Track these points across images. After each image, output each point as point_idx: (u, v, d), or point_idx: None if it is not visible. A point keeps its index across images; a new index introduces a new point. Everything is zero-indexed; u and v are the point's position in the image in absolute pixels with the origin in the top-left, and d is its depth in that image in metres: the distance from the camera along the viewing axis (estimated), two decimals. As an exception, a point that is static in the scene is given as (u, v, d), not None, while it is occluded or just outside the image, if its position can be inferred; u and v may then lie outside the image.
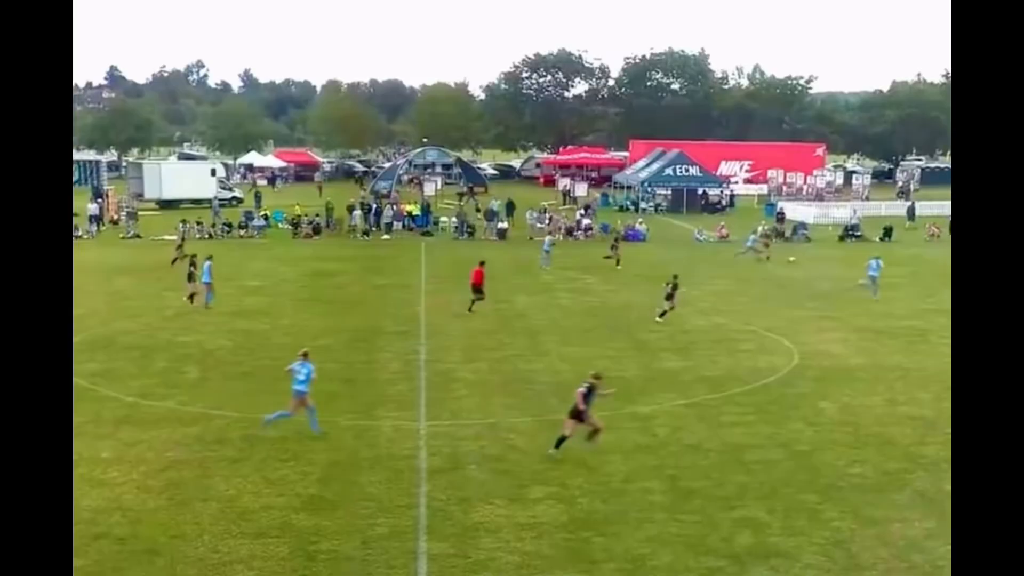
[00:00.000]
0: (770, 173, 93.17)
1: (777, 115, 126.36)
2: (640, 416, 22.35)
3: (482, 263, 35.89)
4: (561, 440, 19.53)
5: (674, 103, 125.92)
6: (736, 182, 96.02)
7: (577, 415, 19.53)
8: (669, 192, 77.88)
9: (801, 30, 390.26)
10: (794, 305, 36.51)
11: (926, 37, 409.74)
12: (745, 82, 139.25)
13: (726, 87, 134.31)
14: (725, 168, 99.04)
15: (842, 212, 68.31)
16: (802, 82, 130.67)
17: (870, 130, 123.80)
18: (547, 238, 50.28)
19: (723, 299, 37.91)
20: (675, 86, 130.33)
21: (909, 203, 72.21)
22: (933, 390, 24.55)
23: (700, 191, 77.90)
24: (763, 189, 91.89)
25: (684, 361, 27.94)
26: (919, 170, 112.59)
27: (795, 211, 70.32)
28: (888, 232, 59.19)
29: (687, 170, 77.89)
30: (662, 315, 33.26)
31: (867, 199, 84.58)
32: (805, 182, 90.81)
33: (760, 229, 51.74)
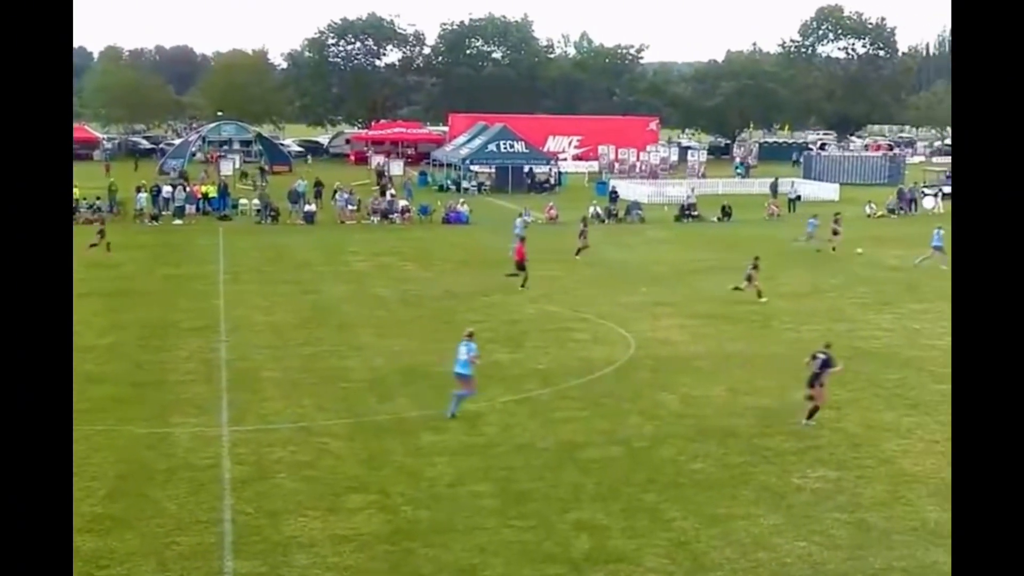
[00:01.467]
0: (601, 149, 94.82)
1: (607, 86, 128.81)
2: (467, 414, 22.46)
3: (522, 239, 39.32)
4: (811, 412, 21.80)
5: (496, 73, 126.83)
6: (565, 159, 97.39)
7: (812, 382, 21.85)
8: (493, 170, 78.41)
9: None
10: (629, 291, 37.33)
11: (761, 4, 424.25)
12: (572, 51, 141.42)
13: (552, 56, 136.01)
14: (553, 144, 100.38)
15: (678, 190, 70.14)
16: (633, 51, 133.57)
17: (705, 103, 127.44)
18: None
19: (554, 285, 38.43)
20: (497, 55, 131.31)
21: (772, 180, 74.14)
22: (776, 378, 25.50)
23: (526, 169, 78.69)
24: (594, 166, 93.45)
25: (513, 353, 28.23)
26: (757, 145, 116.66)
27: (628, 190, 71.83)
28: (727, 211, 61.12)
29: (512, 146, 78.57)
30: (761, 295, 35.16)
31: (703, 176, 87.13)
32: (638, 159, 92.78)
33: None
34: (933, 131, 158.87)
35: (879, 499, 17.95)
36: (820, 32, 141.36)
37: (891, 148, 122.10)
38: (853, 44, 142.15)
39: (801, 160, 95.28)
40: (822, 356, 22.18)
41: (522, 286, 37.14)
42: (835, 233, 46.76)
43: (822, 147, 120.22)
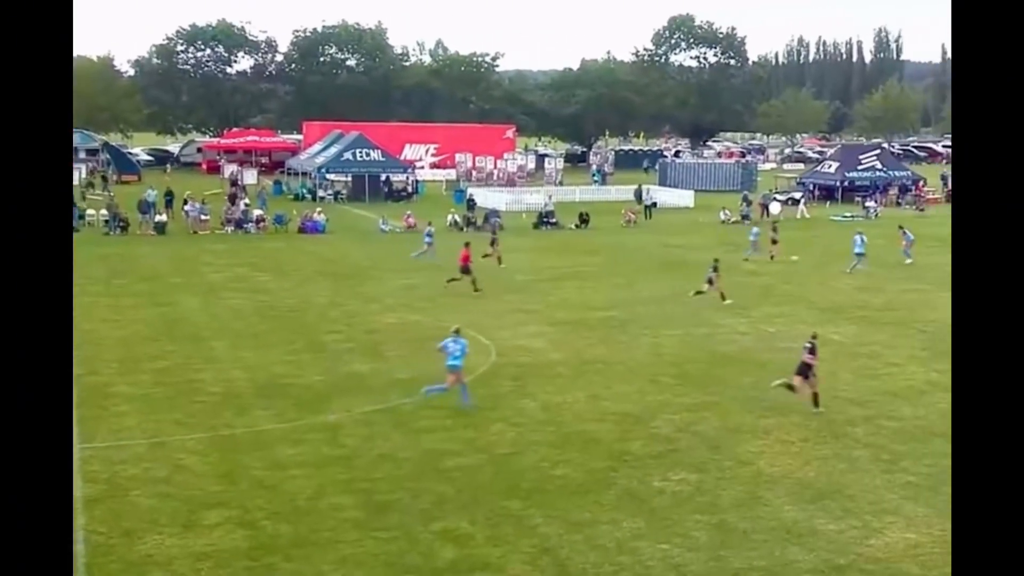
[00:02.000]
0: (458, 157, 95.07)
1: (463, 94, 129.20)
2: (326, 426, 22.25)
3: (467, 244, 39.83)
4: (789, 387, 23.50)
5: (350, 81, 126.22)
6: (422, 167, 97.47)
7: (805, 371, 23.30)
8: (349, 179, 77.96)
9: (484, 4, 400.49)
10: (491, 298, 37.45)
11: (615, 14, 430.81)
12: (427, 59, 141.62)
13: (407, 64, 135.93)
14: (409, 152, 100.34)
15: (536, 198, 70.71)
16: (488, 59, 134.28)
17: (561, 111, 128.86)
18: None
19: (414, 294, 38.36)
20: (351, 62, 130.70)
21: (636, 187, 75.08)
22: (635, 383, 25.87)
23: (383, 177, 78.46)
24: (451, 174, 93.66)
25: (374, 363, 28.06)
26: (613, 153, 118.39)
27: (486, 198, 72.16)
28: (584, 219, 61.81)
29: (368, 154, 78.27)
30: (723, 298, 36.01)
31: (561, 184, 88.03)
32: (495, 166, 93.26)
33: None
34: (784, 138, 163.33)
35: (738, 500, 18.33)
36: (672, 41, 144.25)
37: (743, 155, 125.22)
38: (705, 53, 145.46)
39: (655, 167, 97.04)
40: (809, 345, 23.69)
41: (452, 281, 38.49)
42: (774, 242, 47.72)
43: (677, 154, 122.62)
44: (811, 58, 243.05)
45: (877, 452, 20.68)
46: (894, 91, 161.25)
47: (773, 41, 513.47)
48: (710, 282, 36.67)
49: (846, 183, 77.39)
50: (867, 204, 69.03)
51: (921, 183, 78.52)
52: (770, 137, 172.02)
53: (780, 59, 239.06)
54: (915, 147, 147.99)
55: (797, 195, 77.68)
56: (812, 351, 23.57)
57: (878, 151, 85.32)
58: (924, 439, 21.42)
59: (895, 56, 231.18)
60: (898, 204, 74.27)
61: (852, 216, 66.49)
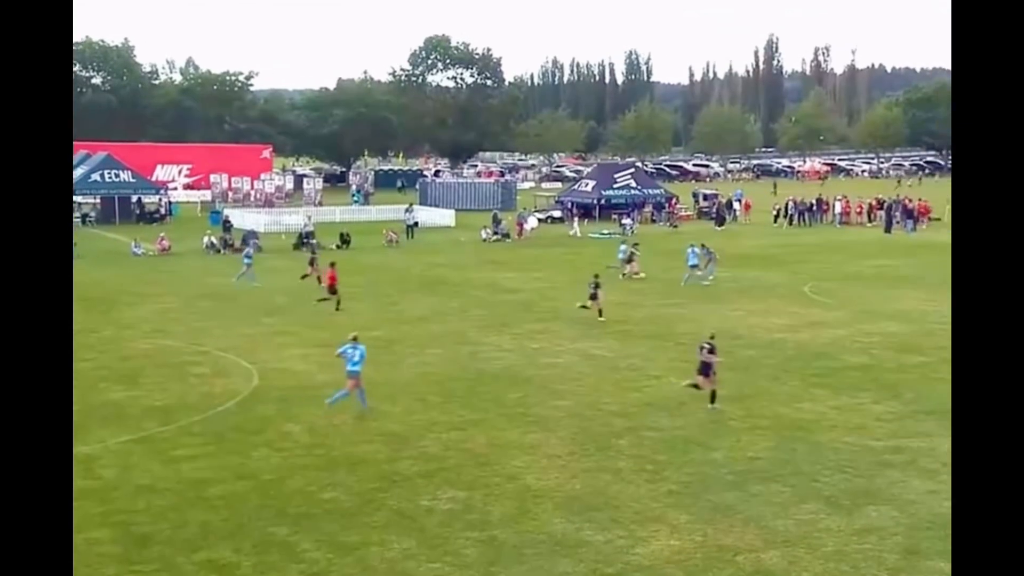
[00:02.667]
0: (213, 178, 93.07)
1: (217, 114, 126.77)
2: (80, 457, 21.32)
3: (333, 264, 40.84)
4: (695, 386, 25.22)
5: (97, 100, 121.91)
6: (175, 188, 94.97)
7: (706, 370, 24.83)
8: (98, 201, 75.25)
9: (235, 22, 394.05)
10: (249, 321, 36.77)
11: (370, 34, 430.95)
12: (178, 77, 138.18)
13: (156, 82, 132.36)
14: (162, 173, 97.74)
15: (295, 219, 69.98)
16: (242, 78, 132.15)
17: (319, 130, 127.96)
18: None
19: (169, 318, 37.30)
20: (96, 80, 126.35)
21: (408, 206, 74.50)
22: (402, 403, 25.85)
23: (134, 199, 76.08)
24: (207, 195, 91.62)
25: (129, 391, 27.11)
26: (372, 172, 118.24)
27: (244, 219, 70.89)
28: (345, 239, 61.48)
29: (117, 175, 75.91)
30: (600, 314, 36.62)
31: (320, 204, 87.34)
32: (252, 187, 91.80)
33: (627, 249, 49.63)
34: (541, 157, 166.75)
35: (508, 515, 18.53)
36: (429, 62, 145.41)
37: (503, 174, 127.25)
38: (462, 74, 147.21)
39: (415, 187, 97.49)
40: (708, 346, 25.04)
41: (322, 302, 38.95)
42: (631, 260, 48.25)
43: (437, 174, 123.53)
44: (566, 79, 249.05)
45: (641, 462, 21.27)
46: (646, 112, 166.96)
47: (528, 62, 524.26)
48: (593, 297, 37.07)
49: (603, 201, 79.58)
50: (623, 221, 71.15)
51: (674, 200, 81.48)
52: (529, 156, 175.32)
53: (536, 80, 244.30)
54: (667, 166, 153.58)
55: (556, 213, 79.56)
56: (712, 351, 25.02)
57: (632, 170, 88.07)
58: (684, 448, 22.16)
59: (646, 78, 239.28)
60: (653, 221, 76.86)
61: (610, 233, 68.41)
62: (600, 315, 36.85)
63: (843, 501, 18.89)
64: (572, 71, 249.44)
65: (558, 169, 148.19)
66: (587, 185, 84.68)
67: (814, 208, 76.78)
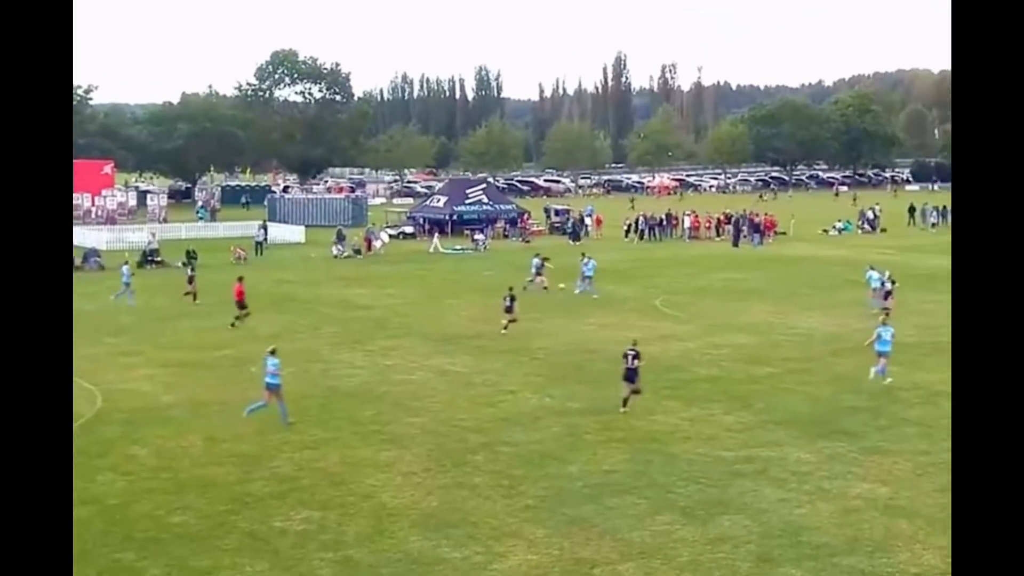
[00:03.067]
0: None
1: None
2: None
3: (240, 279, 40.38)
4: (627, 400, 26.12)
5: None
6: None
7: (630, 376, 26.19)
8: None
9: (72, 35, 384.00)
10: (92, 342, 35.72)
11: (215, 48, 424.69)
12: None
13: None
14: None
15: (139, 236, 68.37)
16: (81, 92, 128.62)
17: (162, 145, 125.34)
18: None
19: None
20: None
21: (261, 223, 73.36)
22: (254, 423, 25.36)
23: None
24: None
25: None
26: (219, 188, 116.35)
27: (85, 236, 68.95)
28: (192, 256, 60.23)
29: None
30: (506, 327, 36.99)
31: (165, 221, 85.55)
32: (94, 203, 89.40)
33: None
34: (392, 173, 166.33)
35: (363, 534, 18.40)
36: (276, 76, 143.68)
37: (353, 190, 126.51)
38: (310, 88, 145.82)
39: (263, 203, 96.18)
40: (632, 352, 26.29)
41: (237, 320, 38.85)
42: (539, 274, 48.40)
43: (285, 190, 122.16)
44: (416, 95, 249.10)
45: (497, 478, 21.35)
46: (497, 128, 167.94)
47: (378, 78, 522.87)
48: (508, 310, 37.56)
49: (455, 216, 79.74)
50: (476, 237, 71.38)
51: (526, 216, 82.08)
52: (379, 172, 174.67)
53: (385, 95, 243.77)
54: (519, 181, 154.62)
55: (408, 229, 79.41)
56: (637, 356, 26.33)
57: (484, 185, 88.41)
58: (540, 462, 22.31)
59: (496, 94, 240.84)
60: (506, 236, 77.29)
61: (463, 249, 68.57)
62: (507, 327, 37.29)
63: (697, 511, 19.26)
64: (422, 87, 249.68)
65: (409, 185, 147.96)
66: (439, 201, 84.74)
67: (664, 223, 78.21)
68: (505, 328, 37.27)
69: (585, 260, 47.70)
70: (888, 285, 40.56)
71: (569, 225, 78.24)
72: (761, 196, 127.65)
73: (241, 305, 39.49)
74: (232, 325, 38.76)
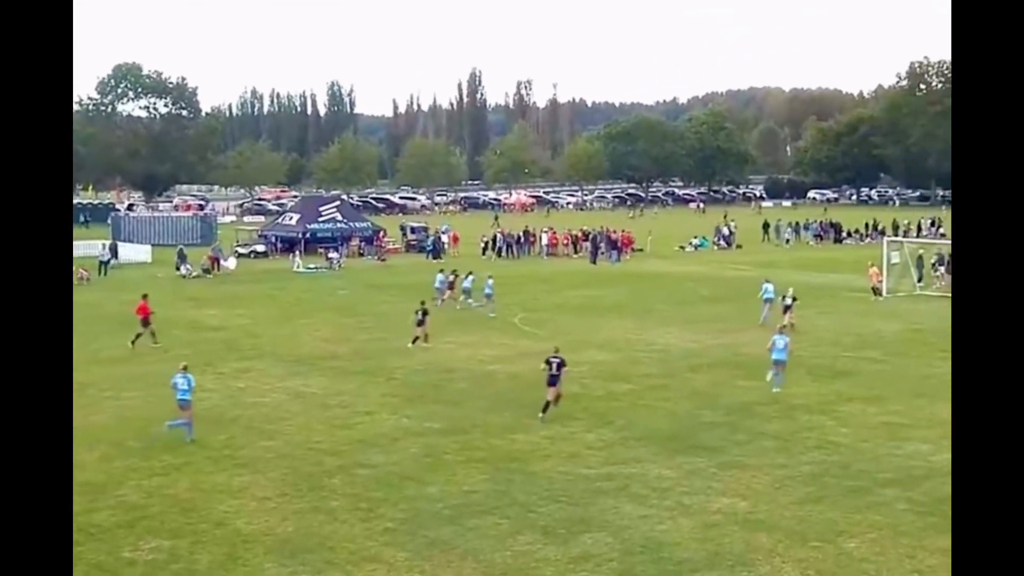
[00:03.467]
0: None
1: None
2: None
3: (145, 296, 39.99)
4: (547, 406, 27.39)
5: None
6: None
7: (553, 381, 27.49)
8: None
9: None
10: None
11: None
12: None
13: None
14: None
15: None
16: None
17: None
18: None
19: None
20: None
21: (111, 243, 71.74)
22: (99, 449, 24.67)
23: None
24: None
25: None
26: None
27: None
28: None
29: None
30: (414, 341, 37.73)
31: None
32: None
33: None
34: (242, 190, 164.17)
35: (216, 563, 18.02)
36: (119, 90, 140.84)
37: (202, 207, 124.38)
38: (155, 103, 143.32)
39: (107, 222, 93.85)
40: (556, 360, 27.49)
41: (154, 341, 38.62)
42: (451, 287, 48.99)
43: (130, 208, 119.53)
44: (266, 110, 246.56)
45: (354, 501, 21.14)
46: (350, 144, 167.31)
47: (226, 92, 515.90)
48: (420, 324, 38.23)
49: (308, 235, 79.02)
50: (331, 255, 70.83)
51: (382, 234, 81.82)
52: (228, 189, 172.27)
53: (235, 111, 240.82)
54: (374, 198, 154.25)
55: (260, 248, 78.42)
56: (561, 364, 27.70)
57: (338, 203, 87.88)
58: (399, 484, 22.18)
59: (349, 110, 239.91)
60: (361, 255, 76.89)
61: (316, 268, 67.96)
62: (414, 342, 37.75)
63: (559, 530, 19.35)
64: (272, 102, 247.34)
65: (260, 202, 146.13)
66: (291, 219, 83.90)
67: (521, 240, 78.76)
68: (413, 343, 37.72)
69: (465, 277, 48.38)
70: (789, 300, 41.33)
71: (429, 243, 78.17)
72: (632, 214, 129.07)
73: (145, 322, 39.11)
74: (132, 343, 38.45)
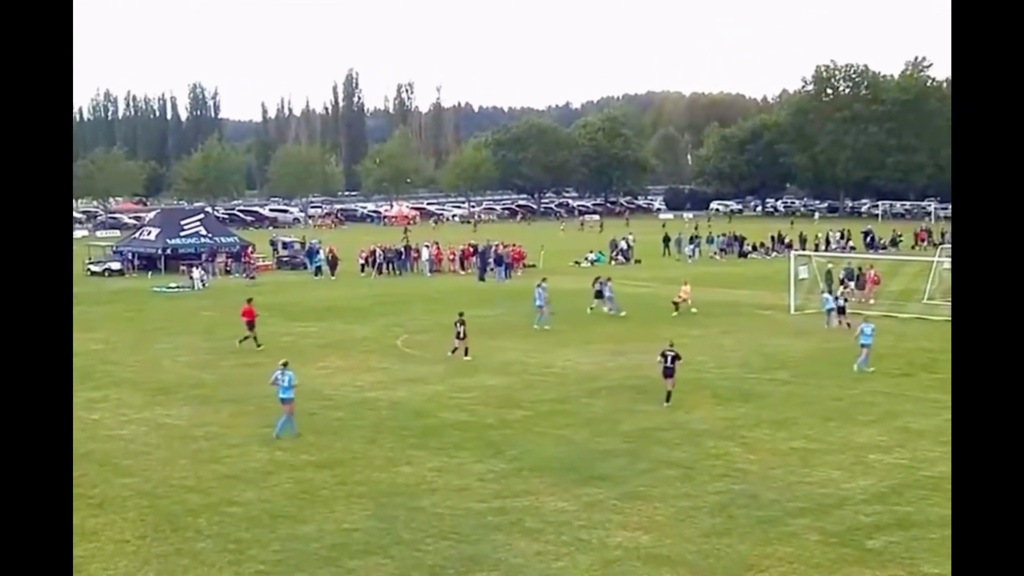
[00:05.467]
0: None
1: None
2: None
3: (250, 300, 44.48)
4: (669, 395, 31.84)
5: None
6: None
7: (669, 373, 32.09)
8: None
9: None
10: None
11: None
12: None
13: None
14: None
15: None
16: None
17: None
18: None
19: None
20: None
21: None
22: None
23: None
24: None
25: None
26: None
27: None
28: None
29: None
30: (453, 352, 40.28)
31: None
32: None
33: None
34: (95, 202, 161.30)
35: (68, 614, 17.62)
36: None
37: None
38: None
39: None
40: (671, 353, 32.16)
41: (256, 345, 42.76)
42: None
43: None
44: (121, 114, 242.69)
45: (222, 542, 20.86)
46: (215, 151, 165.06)
47: (76, 95, 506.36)
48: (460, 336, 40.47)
49: (169, 251, 77.94)
50: (193, 273, 69.77)
51: (250, 249, 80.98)
52: (80, 201, 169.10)
53: (85, 115, 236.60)
54: (241, 211, 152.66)
55: (115, 265, 77.07)
56: (676, 357, 32.20)
57: (202, 215, 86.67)
58: (271, 523, 21.94)
59: (214, 114, 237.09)
60: (228, 272, 76.01)
61: (178, 287, 66.96)
62: (453, 352, 40.35)
63: (448, 570, 19.30)
64: (128, 105, 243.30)
65: (115, 216, 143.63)
66: (150, 233, 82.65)
67: (403, 255, 78.45)
68: (453, 352, 40.19)
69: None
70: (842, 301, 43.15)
71: (320, 259, 76.91)
72: (563, 228, 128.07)
73: (250, 325, 43.40)
74: (240, 342, 43.01)
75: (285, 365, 29.22)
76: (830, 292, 51.26)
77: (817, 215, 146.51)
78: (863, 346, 36.72)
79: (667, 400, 31.72)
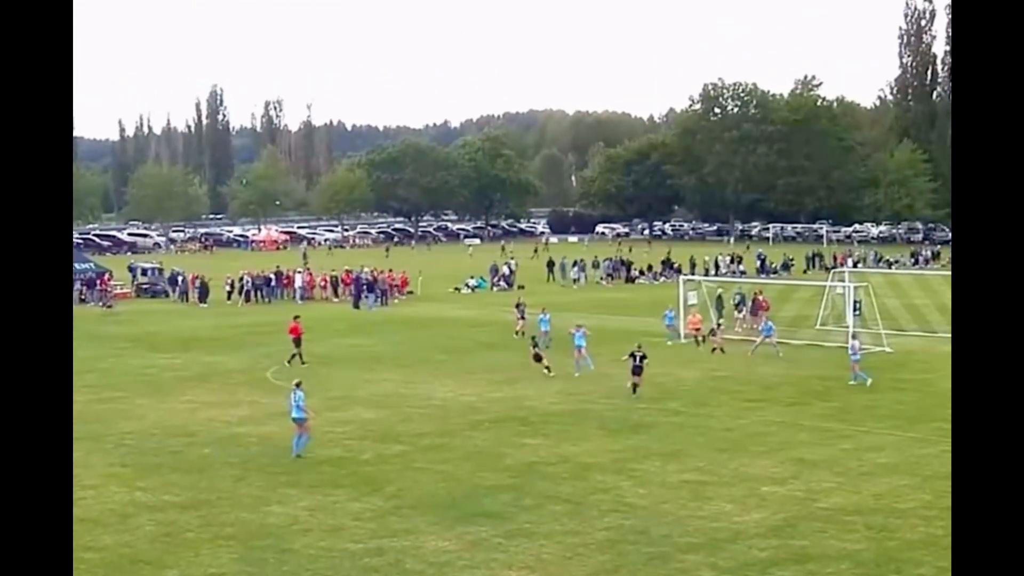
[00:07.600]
0: None
1: None
2: None
3: (296, 317, 48.39)
4: (635, 387, 37.35)
5: None
6: None
7: (637, 371, 37.75)
8: None
9: None
10: None
11: None
12: None
13: None
14: None
15: None
16: None
17: None
18: None
19: None
20: None
21: None
22: None
23: None
24: None
25: None
26: None
27: None
28: None
29: None
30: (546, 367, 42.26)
31: None
32: None
33: None
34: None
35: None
36: None
37: None
38: None
39: None
40: (639, 354, 38.25)
41: (302, 362, 45.60)
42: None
43: None
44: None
45: (77, 591, 20.43)
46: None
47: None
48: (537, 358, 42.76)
49: (18, 278, 76.30)
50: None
51: (107, 276, 79.73)
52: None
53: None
54: (97, 235, 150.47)
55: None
56: (643, 356, 38.34)
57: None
58: (131, 569, 21.57)
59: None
60: (83, 301, 74.60)
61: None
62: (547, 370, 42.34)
63: (322, 615, 19.13)
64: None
65: None
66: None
67: (273, 282, 77.79)
68: (547, 370, 42.26)
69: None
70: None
71: (199, 284, 75.80)
72: (536, 249, 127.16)
73: (297, 342, 46.24)
74: (288, 362, 45.54)
75: (298, 385, 30.88)
76: (721, 318, 51.78)
77: (720, 238, 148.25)
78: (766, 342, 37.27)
79: (634, 391, 37.64)
